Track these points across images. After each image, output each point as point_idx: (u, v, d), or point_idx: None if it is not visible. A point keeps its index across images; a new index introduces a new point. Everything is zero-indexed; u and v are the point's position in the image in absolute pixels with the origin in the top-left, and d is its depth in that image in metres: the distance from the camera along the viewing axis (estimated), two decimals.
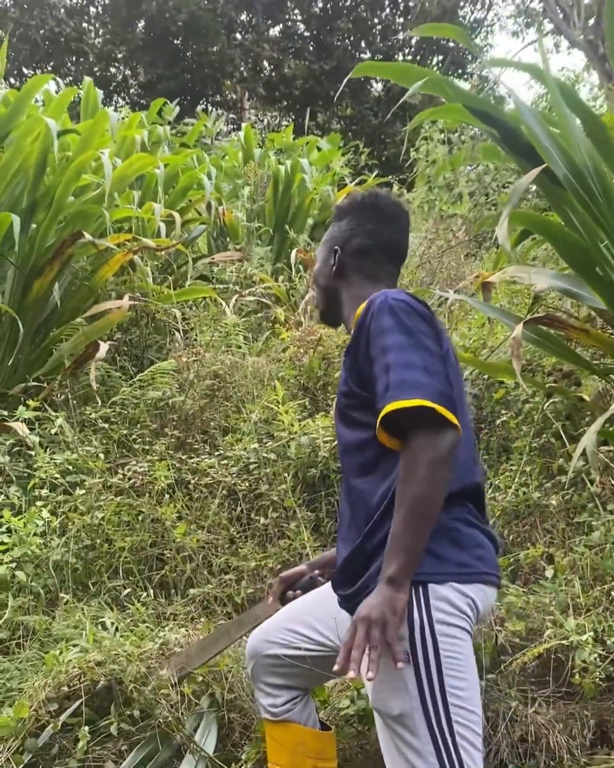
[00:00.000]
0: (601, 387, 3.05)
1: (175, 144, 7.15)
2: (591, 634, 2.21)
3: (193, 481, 3.29)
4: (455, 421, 1.48)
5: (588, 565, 2.49)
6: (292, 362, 4.21)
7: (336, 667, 1.45)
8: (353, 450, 1.71)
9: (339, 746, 2.23)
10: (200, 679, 2.35)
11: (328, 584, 1.91)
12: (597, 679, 2.18)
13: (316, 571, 2.03)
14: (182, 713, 2.25)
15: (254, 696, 2.04)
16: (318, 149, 9.28)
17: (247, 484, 3.31)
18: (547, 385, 2.99)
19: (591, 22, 13.20)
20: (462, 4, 19.37)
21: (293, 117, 18.73)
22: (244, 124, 7.19)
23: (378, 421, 1.52)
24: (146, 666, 2.32)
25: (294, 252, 5.47)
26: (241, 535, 3.19)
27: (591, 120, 2.95)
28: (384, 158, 16.25)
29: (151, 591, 2.88)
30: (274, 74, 19.04)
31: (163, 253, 4.77)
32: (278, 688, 1.91)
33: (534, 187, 4.59)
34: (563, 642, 2.25)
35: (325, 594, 1.88)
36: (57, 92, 5.64)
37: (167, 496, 3.23)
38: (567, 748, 2.19)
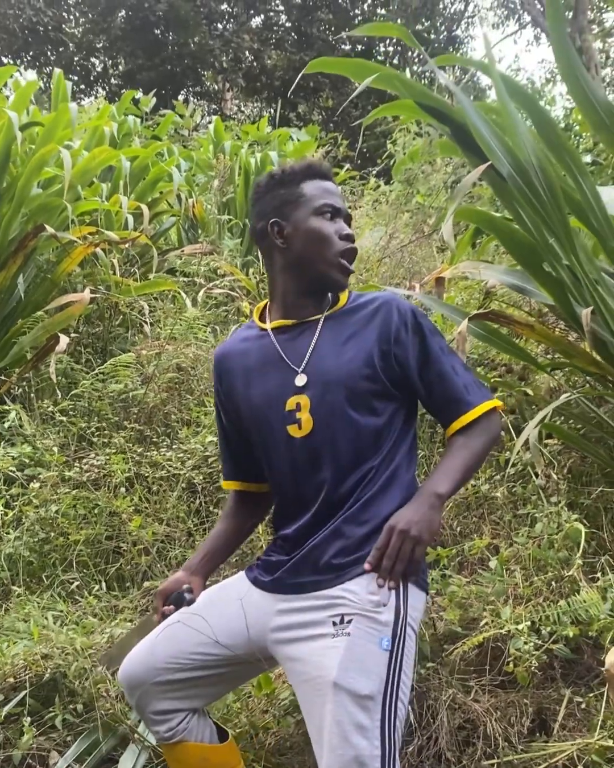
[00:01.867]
0: (552, 382, 3.09)
1: (146, 136, 7.14)
2: (528, 623, 2.26)
3: (150, 475, 3.32)
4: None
5: (530, 556, 2.54)
6: None
7: (366, 565, 1.63)
8: (367, 437, 1.74)
9: (281, 736, 2.27)
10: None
11: (207, 593, 1.87)
12: (533, 668, 2.22)
13: (186, 586, 1.86)
14: (125, 705, 2.28)
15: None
16: (295, 140, 9.30)
17: (205, 477, 3.34)
18: (492, 380, 3.03)
19: (570, 14, 13.25)
20: None
21: (273, 108, 18.74)
22: (221, 116, 7.17)
23: (471, 416, 1.76)
24: (90, 660, 2.36)
25: None
26: (198, 528, 3.22)
27: (540, 116, 2.99)
28: (365, 150, 16.24)
29: (104, 584, 2.91)
30: (254, 65, 19.00)
31: (127, 245, 4.79)
32: (168, 712, 1.80)
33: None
34: (501, 631, 2.30)
35: (210, 602, 1.83)
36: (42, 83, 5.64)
37: (124, 489, 3.26)
38: (505, 736, 2.23)
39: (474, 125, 2.81)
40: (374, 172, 9.90)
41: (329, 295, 1.84)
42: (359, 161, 14.60)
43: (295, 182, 1.83)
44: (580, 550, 2.40)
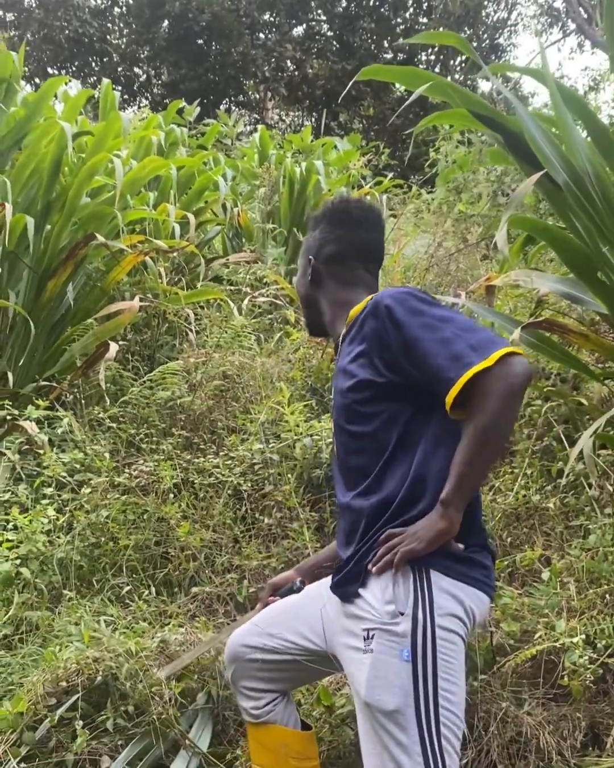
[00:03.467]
0: (605, 391, 3.06)
1: (192, 146, 7.20)
2: (583, 636, 2.23)
3: (197, 481, 3.34)
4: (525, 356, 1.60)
5: (584, 568, 2.51)
6: (303, 363, 4.25)
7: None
8: (370, 442, 1.71)
9: (334, 745, 2.26)
10: (196, 676, 2.38)
11: (309, 587, 1.96)
12: (588, 682, 2.19)
13: (299, 579, 2.02)
14: (177, 710, 2.29)
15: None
16: (336, 149, 9.31)
17: (252, 485, 3.35)
18: (545, 389, 3.00)
19: None
20: (485, 3, 19.27)
21: (315, 117, 18.79)
22: (263, 125, 7.21)
23: (458, 387, 1.55)
24: (141, 663, 2.37)
25: None
26: (244, 534, 3.23)
27: (594, 124, 2.97)
28: (405, 159, 16.22)
29: (153, 589, 2.92)
30: (296, 74, 19.08)
31: (174, 254, 4.82)
32: (259, 691, 1.93)
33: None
34: (555, 644, 2.27)
35: (308, 595, 1.92)
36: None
37: (172, 495, 3.28)
38: (558, 750, 2.20)
39: (529, 133, 2.79)
40: (419, 181, 9.90)
41: (339, 320, 1.91)
42: (399, 170, 14.61)
43: None
44: None
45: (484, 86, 18.84)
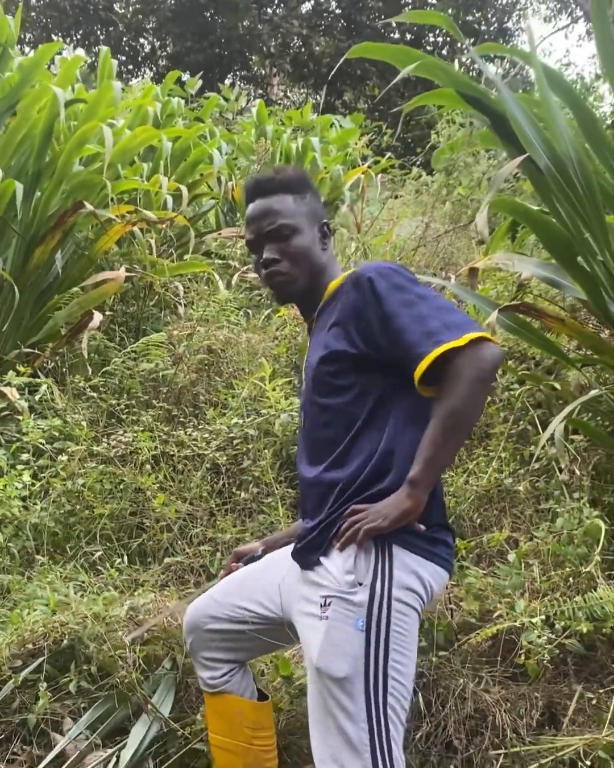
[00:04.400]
0: (583, 379, 3.07)
1: (190, 118, 7.15)
2: (542, 617, 2.26)
3: (175, 454, 3.36)
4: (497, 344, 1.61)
5: (549, 551, 2.53)
6: (288, 340, 4.26)
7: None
8: (340, 415, 1.72)
9: (293, 715, 2.29)
10: (162, 643, 2.41)
11: (271, 555, 1.99)
12: (545, 662, 2.23)
13: (261, 548, 2.05)
14: (141, 675, 2.32)
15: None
16: (338, 127, 9.27)
17: (229, 459, 3.37)
18: (520, 373, 3.02)
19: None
20: None
21: (319, 95, 18.66)
22: (266, 101, 7.17)
23: (428, 362, 1.56)
24: (107, 628, 2.40)
25: None
26: (220, 508, 3.25)
27: (581, 111, 2.96)
28: (409, 140, 16.15)
29: (126, 558, 2.95)
30: (302, 51, 18.91)
31: (165, 226, 4.81)
32: (217, 661, 1.94)
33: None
34: (515, 624, 2.30)
35: (267, 564, 1.95)
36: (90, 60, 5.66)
37: (149, 466, 3.30)
38: (514, 728, 2.24)
39: (512, 115, 2.79)
40: (417, 162, 9.85)
41: (320, 290, 1.84)
42: (402, 150, 14.55)
43: None
44: (599, 547, 2.39)
45: (482, 67, 18.70)
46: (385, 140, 11.43)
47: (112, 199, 4.43)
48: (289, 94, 19.30)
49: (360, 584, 1.61)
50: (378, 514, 1.60)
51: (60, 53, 6.05)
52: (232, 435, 3.40)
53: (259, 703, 2.01)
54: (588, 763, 2.08)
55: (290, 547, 1.90)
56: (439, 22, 2.91)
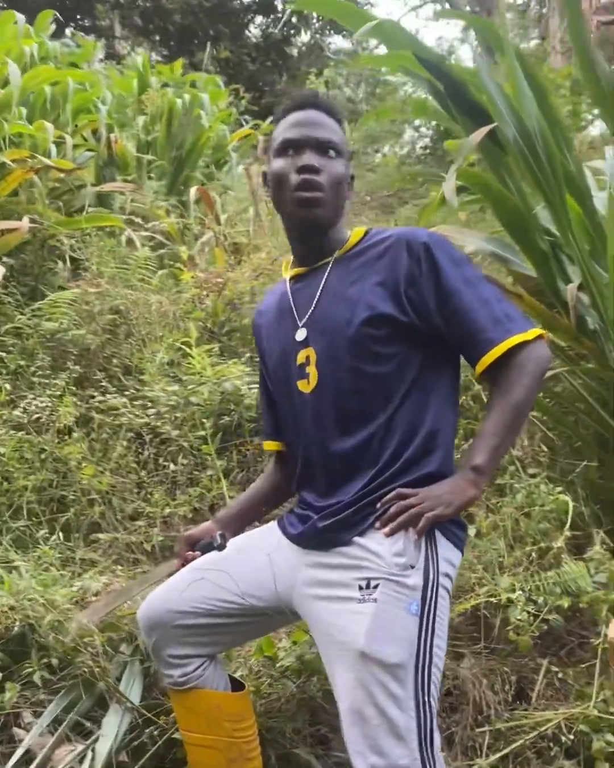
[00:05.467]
0: None
1: (65, 63, 6.70)
2: (520, 592, 2.26)
3: (98, 421, 3.13)
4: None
5: (510, 527, 2.54)
6: (194, 304, 4.08)
7: (378, 504, 1.54)
8: (378, 384, 1.60)
9: (274, 698, 2.18)
10: (124, 626, 2.23)
11: (239, 540, 1.82)
12: (521, 636, 2.23)
13: (219, 533, 1.82)
14: (104, 662, 2.14)
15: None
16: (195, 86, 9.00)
17: (156, 427, 3.18)
18: None
19: None
20: None
21: (166, 53, 18.05)
22: (140, 53, 6.81)
23: (499, 350, 1.53)
24: (63, 614, 2.20)
25: (193, 189, 5.27)
26: (149, 480, 3.06)
27: (534, 83, 2.95)
28: (261, 106, 15.96)
29: (61, 534, 2.72)
30: (149, 5, 18.20)
31: (65, 175, 4.47)
32: (187, 657, 1.76)
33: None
34: (491, 599, 2.29)
35: (240, 550, 1.78)
36: None
37: (68, 435, 3.06)
38: (491, 703, 2.23)
39: (484, 86, 2.75)
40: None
41: (335, 235, 1.70)
42: (261, 115, 14.33)
43: (278, 121, 1.72)
44: (569, 523, 2.42)
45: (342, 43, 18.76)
46: (243, 104, 11.28)
47: (3, 142, 4.06)
48: (135, 49, 18.56)
49: (412, 567, 1.52)
50: (438, 500, 1.50)
51: None
52: (161, 402, 3.20)
53: (237, 693, 1.84)
54: (572, 737, 2.10)
55: (266, 531, 1.80)
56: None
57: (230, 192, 6.00)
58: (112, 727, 2.01)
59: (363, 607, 1.51)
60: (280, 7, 19.32)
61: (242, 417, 3.23)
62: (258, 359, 1.94)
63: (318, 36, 19.25)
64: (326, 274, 1.69)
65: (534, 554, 2.46)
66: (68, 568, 2.55)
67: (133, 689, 2.12)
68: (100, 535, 2.77)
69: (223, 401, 3.27)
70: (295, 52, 18.83)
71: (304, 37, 19.54)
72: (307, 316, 1.69)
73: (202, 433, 3.02)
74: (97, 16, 17.99)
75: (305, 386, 1.67)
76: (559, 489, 2.50)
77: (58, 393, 3.18)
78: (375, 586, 1.52)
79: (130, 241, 4.62)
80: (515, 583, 2.30)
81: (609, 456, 2.75)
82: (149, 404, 3.25)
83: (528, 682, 2.35)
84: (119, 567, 2.56)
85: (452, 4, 14.23)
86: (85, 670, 2.08)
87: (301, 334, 1.69)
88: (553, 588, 2.29)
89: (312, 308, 1.69)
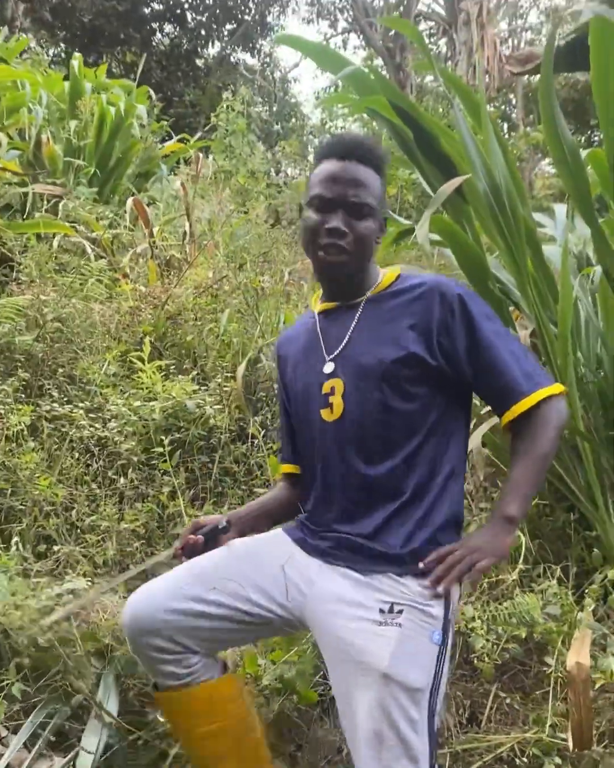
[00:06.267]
0: None
1: None
2: (479, 621, 2.41)
3: (47, 430, 3.11)
4: None
5: None
6: (132, 316, 4.09)
7: (420, 564, 1.59)
8: (403, 420, 1.69)
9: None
10: (102, 638, 2.24)
11: (251, 543, 1.84)
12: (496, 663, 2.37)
13: (225, 519, 1.84)
14: (80, 673, 2.15)
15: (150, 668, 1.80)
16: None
17: (107, 440, 3.18)
18: None
19: (393, 31, 13.79)
20: None
21: (68, 53, 17.72)
22: (76, 57, 6.73)
23: (529, 402, 1.65)
24: (33, 623, 2.19)
25: (130, 200, 5.27)
26: (95, 493, 3.05)
27: (501, 143, 3.15)
28: (169, 116, 15.89)
29: (20, 546, 2.69)
30: (57, 2, 17.86)
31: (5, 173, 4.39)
32: (186, 652, 1.74)
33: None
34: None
35: (252, 554, 1.80)
36: None
37: (16, 443, 3.03)
38: (448, 726, 2.36)
39: (461, 137, 2.93)
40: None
41: (365, 277, 1.78)
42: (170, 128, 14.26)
43: (317, 162, 1.78)
44: (522, 556, 2.58)
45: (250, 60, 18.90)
46: (155, 112, 11.25)
47: None
48: (42, 46, 18.14)
49: (431, 598, 1.60)
50: (483, 553, 1.58)
51: None
52: (114, 415, 3.21)
53: (229, 676, 1.85)
54: (525, 760, 2.25)
55: (271, 540, 1.83)
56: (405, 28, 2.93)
57: (158, 204, 6.01)
58: (92, 742, 2.03)
59: (386, 630, 1.58)
60: (189, 18, 19.41)
61: (191, 434, 3.27)
62: (278, 386, 2.02)
63: (227, 50, 19.38)
64: (359, 312, 1.77)
65: (486, 586, 2.62)
66: (29, 578, 2.53)
67: (109, 701, 2.13)
68: (55, 548, 2.75)
69: (172, 417, 3.30)
70: (202, 63, 18.88)
71: (212, 49, 19.65)
72: (336, 352, 1.76)
73: (159, 449, 3.04)
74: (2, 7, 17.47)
75: (329, 415, 1.74)
76: None
77: (9, 400, 3.14)
78: (400, 612, 1.59)
79: (63, 249, 4.58)
80: (475, 614, 2.44)
81: (550, 495, 2.94)
82: (99, 416, 3.24)
83: (479, 706, 2.49)
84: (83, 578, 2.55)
85: (367, 39, 14.65)
86: (66, 683, 2.08)
87: (328, 367, 1.75)
88: (509, 619, 2.45)
89: (343, 344, 1.75)
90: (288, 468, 1.98)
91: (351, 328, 1.76)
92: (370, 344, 1.73)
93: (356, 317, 1.77)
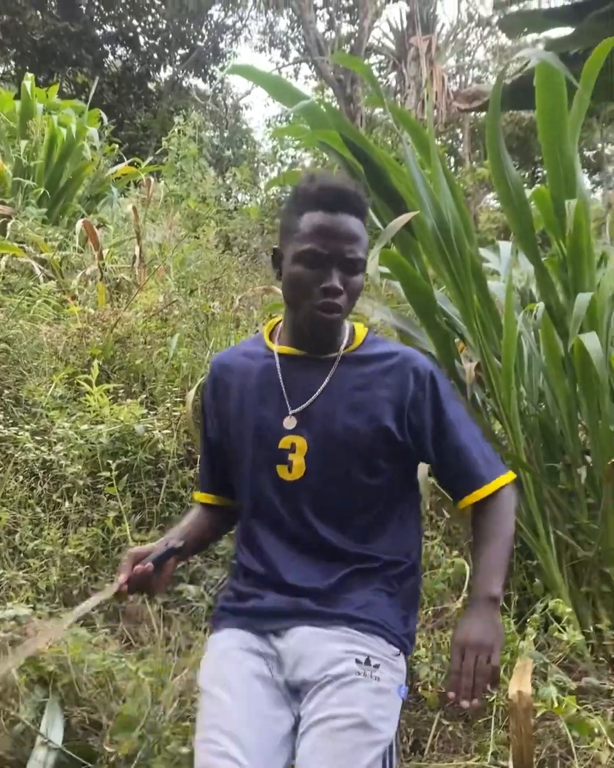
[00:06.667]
0: None
1: None
2: (424, 649, 2.45)
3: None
4: None
5: None
6: (80, 339, 4.07)
7: (449, 694, 1.50)
8: (367, 496, 1.68)
9: None
10: (48, 667, 2.22)
11: (229, 653, 1.66)
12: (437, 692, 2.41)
13: (172, 541, 1.69)
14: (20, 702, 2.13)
15: None
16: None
17: (52, 463, 3.16)
18: None
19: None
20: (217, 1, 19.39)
21: (18, 71, 17.62)
22: (29, 76, 6.72)
23: (490, 488, 1.68)
24: None
25: (80, 222, 5.26)
26: (39, 517, 3.03)
27: (450, 182, 3.25)
28: (121, 138, 15.88)
29: None
30: (9, 19, 17.77)
31: None
32: None
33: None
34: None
35: (243, 685, 1.61)
36: None
37: None
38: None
39: (410, 174, 3.01)
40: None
41: (343, 329, 1.71)
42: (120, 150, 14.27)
43: (300, 210, 1.65)
44: (466, 585, 2.63)
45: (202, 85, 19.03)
46: (106, 134, 11.27)
47: None
48: None
49: (398, 655, 1.62)
50: (489, 647, 1.55)
51: None
52: (60, 438, 3.19)
53: None
54: None
55: (223, 653, 1.66)
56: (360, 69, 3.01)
57: (109, 226, 6.01)
58: None
59: (367, 682, 1.55)
60: (142, 42, 19.49)
61: (138, 458, 3.27)
62: (207, 411, 1.84)
63: (179, 75, 19.48)
64: (332, 370, 1.69)
65: (431, 614, 2.66)
66: None
67: (53, 730, 2.11)
68: None
69: (120, 441, 3.30)
70: (154, 87, 18.95)
71: (165, 73, 19.74)
72: (302, 407, 1.68)
73: (106, 473, 3.04)
74: None
75: (285, 473, 1.67)
76: (456, 552, 2.72)
77: None
78: (376, 666, 1.57)
79: (11, 269, 4.56)
80: (420, 642, 2.48)
81: None
82: (45, 439, 3.23)
83: (422, 734, 2.52)
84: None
85: (318, 70, 14.86)
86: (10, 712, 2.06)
87: (290, 423, 1.67)
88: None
89: (311, 400, 1.68)
90: (208, 498, 1.89)
91: (322, 386, 1.68)
92: (343, 411, 1.67)
93: (329, 375, 1.69)
